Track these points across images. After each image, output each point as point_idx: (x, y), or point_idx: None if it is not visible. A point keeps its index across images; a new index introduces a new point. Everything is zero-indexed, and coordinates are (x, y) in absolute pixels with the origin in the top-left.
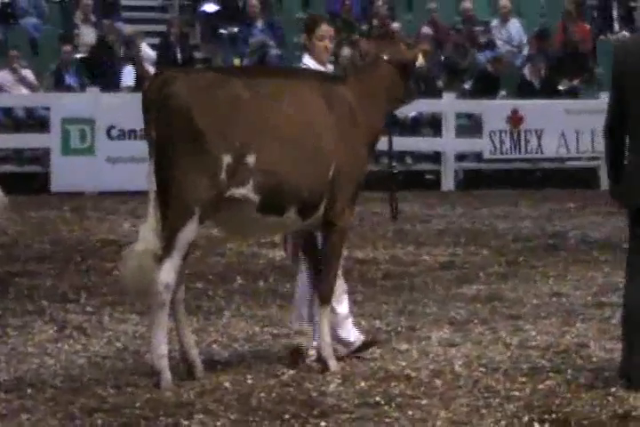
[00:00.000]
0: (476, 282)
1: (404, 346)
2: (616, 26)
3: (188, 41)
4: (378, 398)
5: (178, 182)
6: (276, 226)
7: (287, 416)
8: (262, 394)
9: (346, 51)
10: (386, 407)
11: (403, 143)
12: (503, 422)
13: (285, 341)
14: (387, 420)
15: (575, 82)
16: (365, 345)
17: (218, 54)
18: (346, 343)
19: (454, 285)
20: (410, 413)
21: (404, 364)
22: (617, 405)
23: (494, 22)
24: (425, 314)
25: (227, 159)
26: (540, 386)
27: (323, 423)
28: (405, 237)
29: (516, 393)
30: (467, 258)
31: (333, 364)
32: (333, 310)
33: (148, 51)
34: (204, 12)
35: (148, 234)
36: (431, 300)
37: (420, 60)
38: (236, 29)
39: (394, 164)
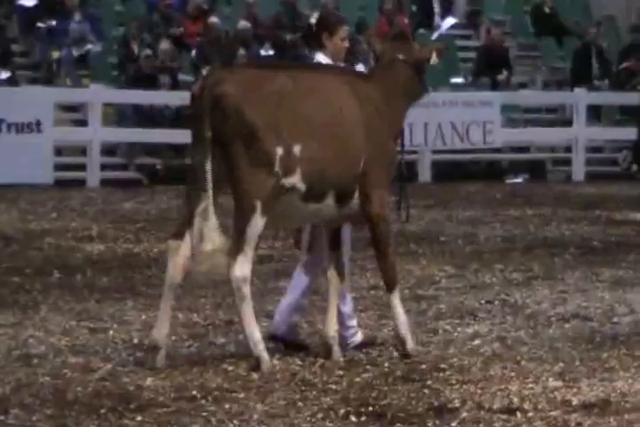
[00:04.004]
0: None
1: (222, 340)
2: (437, 20)
3: (6, 34)
4: (195, 392)
5: (238, 180)
6: (315, 213)
7: (103, 410)
8: (79, 388)
9: (165, 44)
10: (203, 401)
11: None
12: (320, 415)
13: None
14: (203, 414)
15: None
16: (365, 344)
17: (36, 47)
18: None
19: (271, 278)
20: (227, 406)
21: (220, 358)
22: (433, 397)
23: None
24: None
25: (279, 151)
26: (357, 379)
27: (139, 417)
28: (225, 231)
29: (333, 386)
30: (284, 252)
31: (410, 343)
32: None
33: None
34: (21, 5)
35: (213, 233)
36: None
37: (434, 59)
38: (54, 22)
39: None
